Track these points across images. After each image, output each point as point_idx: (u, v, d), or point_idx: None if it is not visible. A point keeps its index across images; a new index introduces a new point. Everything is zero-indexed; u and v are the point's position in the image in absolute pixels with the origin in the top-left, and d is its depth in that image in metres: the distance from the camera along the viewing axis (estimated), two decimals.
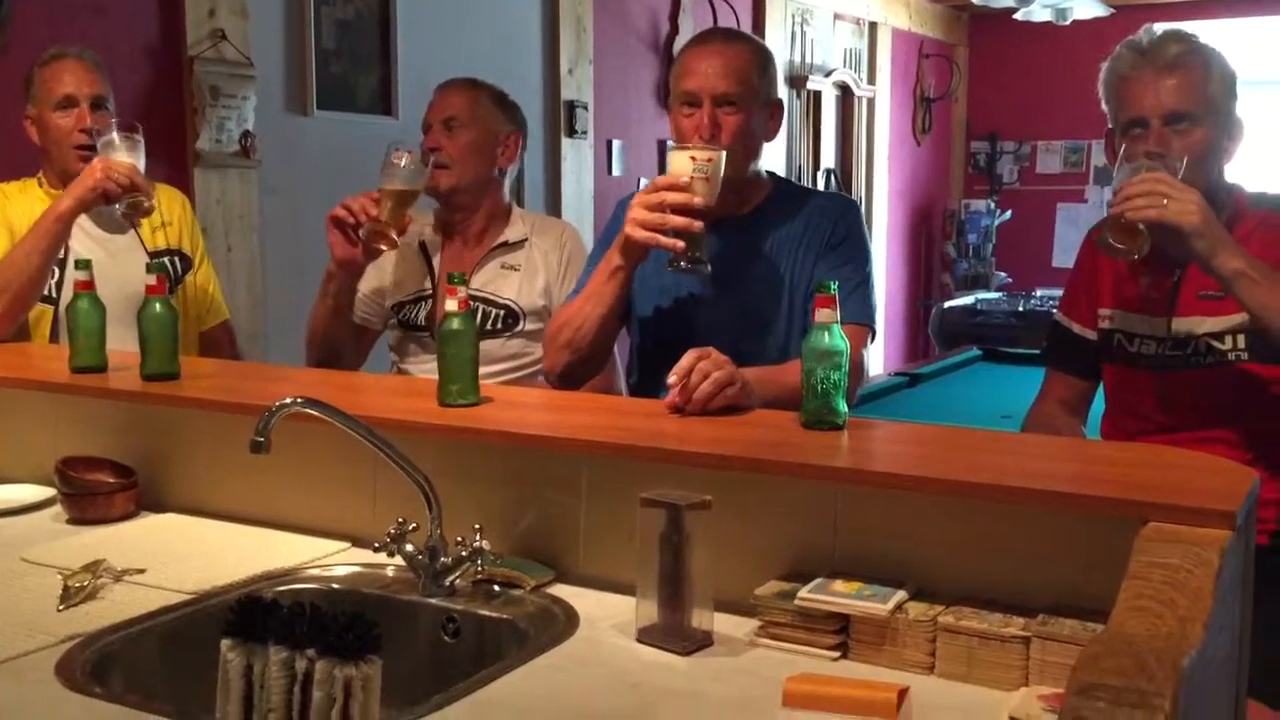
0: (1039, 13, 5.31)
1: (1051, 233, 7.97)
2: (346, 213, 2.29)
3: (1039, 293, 7.00)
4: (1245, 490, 1.32)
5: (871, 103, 7.20)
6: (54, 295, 2.47)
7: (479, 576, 1.58)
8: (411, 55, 4.04)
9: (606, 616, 1.48)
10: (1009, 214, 7.91)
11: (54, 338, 2.48)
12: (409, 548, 1.57)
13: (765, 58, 2.09)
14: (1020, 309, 6.55)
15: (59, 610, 1.50)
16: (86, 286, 2.14)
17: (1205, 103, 1.89)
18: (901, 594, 1.36)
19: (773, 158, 5.18)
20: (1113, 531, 1.26)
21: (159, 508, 1.95)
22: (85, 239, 2.51)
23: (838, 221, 2.10)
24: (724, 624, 1.42)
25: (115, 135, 2.35)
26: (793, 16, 6.35)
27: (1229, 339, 1.93)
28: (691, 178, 1.85)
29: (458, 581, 1.57)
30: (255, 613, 1.15)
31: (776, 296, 2.08)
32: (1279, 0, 7.11)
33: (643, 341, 2.18)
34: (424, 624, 1.57)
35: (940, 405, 4.20)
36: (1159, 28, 1.98)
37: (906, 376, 4.67)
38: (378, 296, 2.54)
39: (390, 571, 1.64)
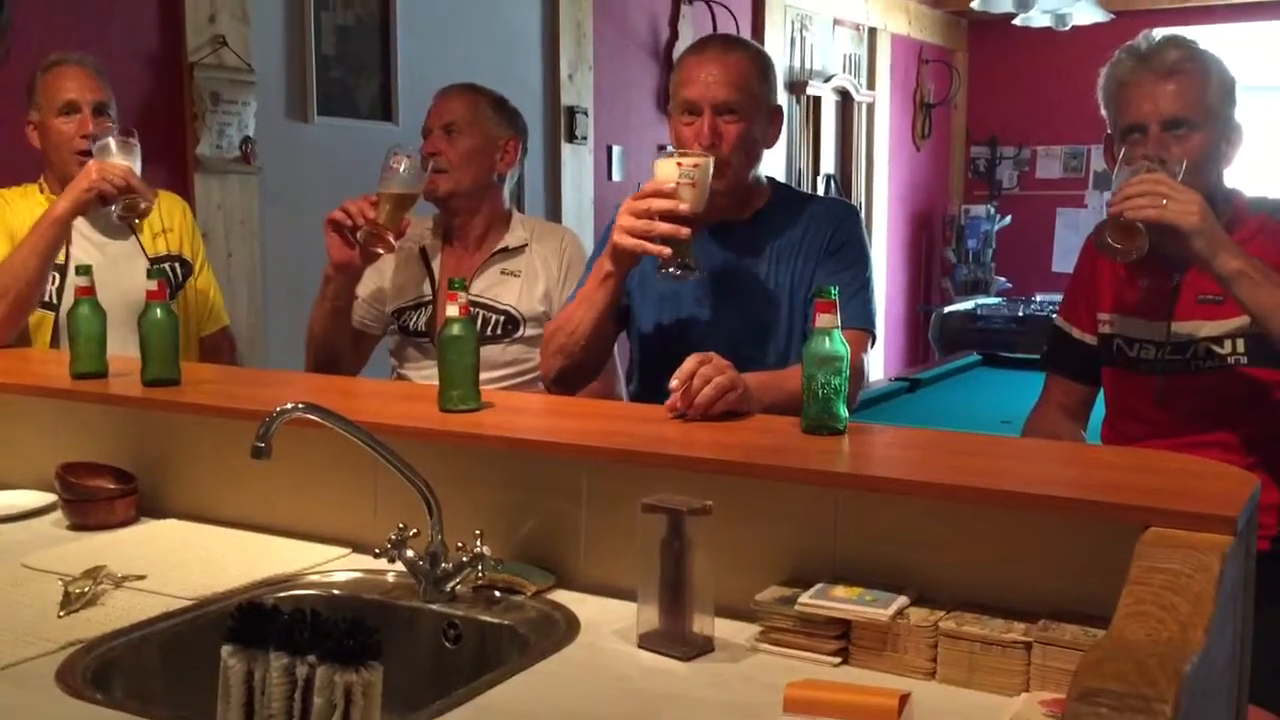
0: (1038, 18, 5.31)
1: (1051, 238, 7.97)
2: (344, 215, 2.29)
3: (1039, 298, 7.00)
4: (1246, 495, 1.32)
5: (871, 108, 7.20)
6: (55, 301, 2.47)
7: (480, 582, 1.57)
8: (412, 61, 4.05)
9: (607, 622, 1.48)
10: (1009, 219, 7.91)
11: (55, 343, 2.48)
12: (410, 553, 1.57)
13: (765, 64, 2.09)
14: (1020, 314, 6.55)
15: (59, 616, 1.50)
16: (87, 292, 2.14)
17: (1204, 108, 1.90)
18: (902, 599, 1.36)
19: (773, 163, 5.17)
20: (1113, 536, 1.26)
21: (160, 513, 1.95)
22: (86, 245, 2.51)
23: (837, 227, 2.10)
24: (725, 629, 1.42)
25: (110, 139, 2.36)
26: (792, 22, 6.36)
27: (1228, 343, 1.93)
28: (678, 184, 1.85)
29: (458, 587, 1.57)
30: (256, 619, 1.15)
31: (777, 302, 2.09)
32: (1277, 5, 7.12)
33: (643, 347, 2.18)
34: (425, 630, 1.57)
35: (940, 410, 4.20)
36: (1158, 33, 1.99)
37: (907, 382, 4.67)
38: (377, 302, 2.54)
39: (391, 577, 1.64)
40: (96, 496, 1.91)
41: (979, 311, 6.72)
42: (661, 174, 1.88)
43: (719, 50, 2.06)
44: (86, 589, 1.56)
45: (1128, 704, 0.90)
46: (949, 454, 1.61)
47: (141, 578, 1.63)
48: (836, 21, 6.80)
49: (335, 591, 1.64)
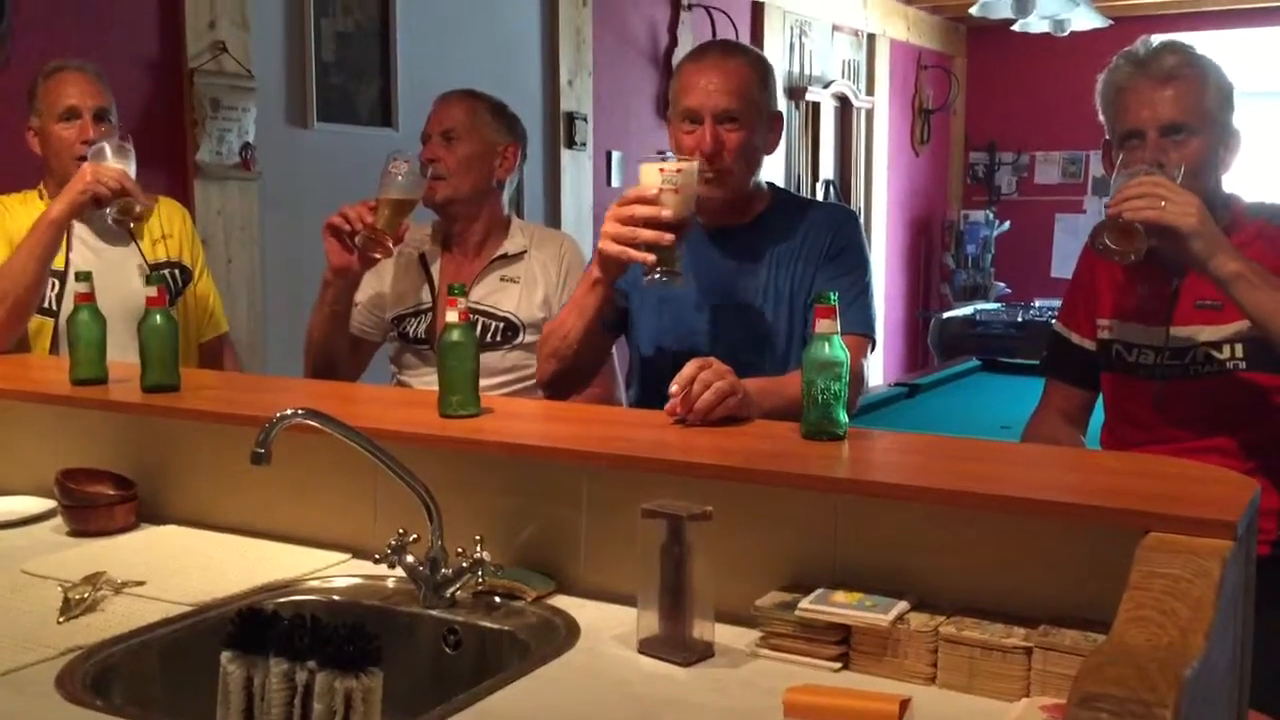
0: (1037, 24, 5.31)
1: (1050, 243, 7.98)
2: (343, 220, 2.29)
3: (1038, 303, 7.00)
4: (1246, 500, 1.32)
5: (870, 114, 7.21)
6: (55, 308, 2.47)
7: (480, 588, 1.57)
8: (411, 67, 4.05)
9: (607, 627, 1.48)
10: (1007, 224, 7.92)
11: (54, 350, 2.48)
12: (410, 559, 1.57)
13: (765, 70, 2.09)
14: (1019, 319, 6.55)
15: (59, 622, 1.50)
16: (87, 298, 2.14)
17: (1202, 114, 1.90)
18: (903, 604, 1.36)
19: (772, 169, 5.17)
20: (1114, 542, 1.26)
21: (159, 519, 1.95)
22: (86, 251, 2.51)
23: (837, 232, 2.10)
24: (725, 635, 1.42)
25: (105, 144, 2.37)
26: (791, 28, 6.37)
27: (1227, 348, 1.93)
28: (660, 190, 1.83)
29: (458, 593, 1.57)
30: (256, 625, 1.15)
31: (776, 307, 2.09)
32: (1276, 11, 7.14)
33: (642, 352, 2.18)
34: (425, 635, 1.57)
35: (940, 416, 4.20)
36: (1156, 39, 1.99)
37: (906, 387, 4.67)
38: (376, 308, 2.54)
39: (391, 583, 1.64)
40: (96, 502, 1.91)
41: (978, 317, 6.72)
42: (644, 180, 1.87)
43: (719, 57, 2.05)
44: (86, 595, 1.56)
45: (1128, 709, 0.90)
46: (949, 459, 1.61)
47: (141, 584, 1.63)
48: (835, 27, 6.81)
49: (335, 597, 1.64)
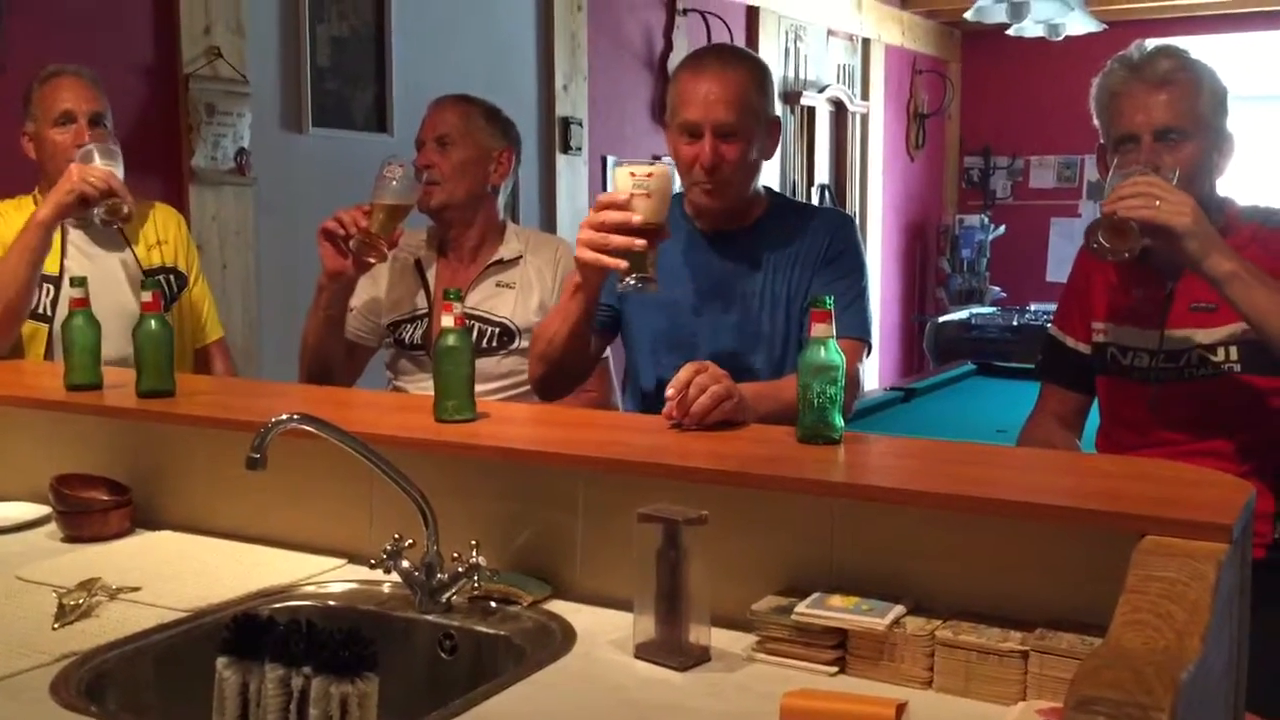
0: (1031, 29, 5.32)
1: (1045, 247, 7.99)
2: (337, 224, 2.29)
3: (1033, 307, 7.01)
4: (1241, 503, 1.32)
5: (865, 118, 7.22)
6: (49, 313, 2.47)
7: (475, 593, 1.57)
8: (406, 72, 4.05)
9: (604, 632, 1.48)
10: (1003, 229, 7.93)
11: (49, 356, 2.47)
12: (405, 564, 1.57)
13: (763, 77, 2.08)
14: (1015, 323, 6.56)
15: (54, 629, 1.49)
16: (81, 304, 2.14)
17: (1196, 118, 1.90)
18: (899, 608, 1.36)
19: (767, 174, 5.19)
20: (1110, 545, 1.26)
21: (154, 525, 1.95)
22: (80, 257, 2.51)
23: (834, 236, 2.11)
24: (721, 639, 1.42)
25: (92, 146, 2.37)
26: (786, 33, 6.38)
27: (1221, 351, 1.94)
28: (631, 195, 1.80)
29: (454, 598, 1.57)
30: (251, 630, 1.15)
31: (773, 311, 2.09)
32: (1269, 16, 7.16)
33: (638, 355, 2.18)
34: (420, 641, 1.56)
35: (935, 420, 4.20)
36: (1150, 43, 1.99)
37: (902, 391, 4.67)
38: (371, 313, 2.54)
39: (386, 588, 1.64)
40: (91, 508, 1.91)
41: (973, 321, 6.73)
42: (616, 184, 1.84)
43: (717, 67, 2.03)
44: (81, 601, 1.55)
45: (1125, 712, 0.90)
46: (944, 463, 1.61)
47: (136, 589, 1.62)
48: (830, 32, 6.82)
49: (331, 603, 1.64)
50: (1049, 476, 1.60)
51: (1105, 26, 5.52)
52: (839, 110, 7.02)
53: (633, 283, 1.82)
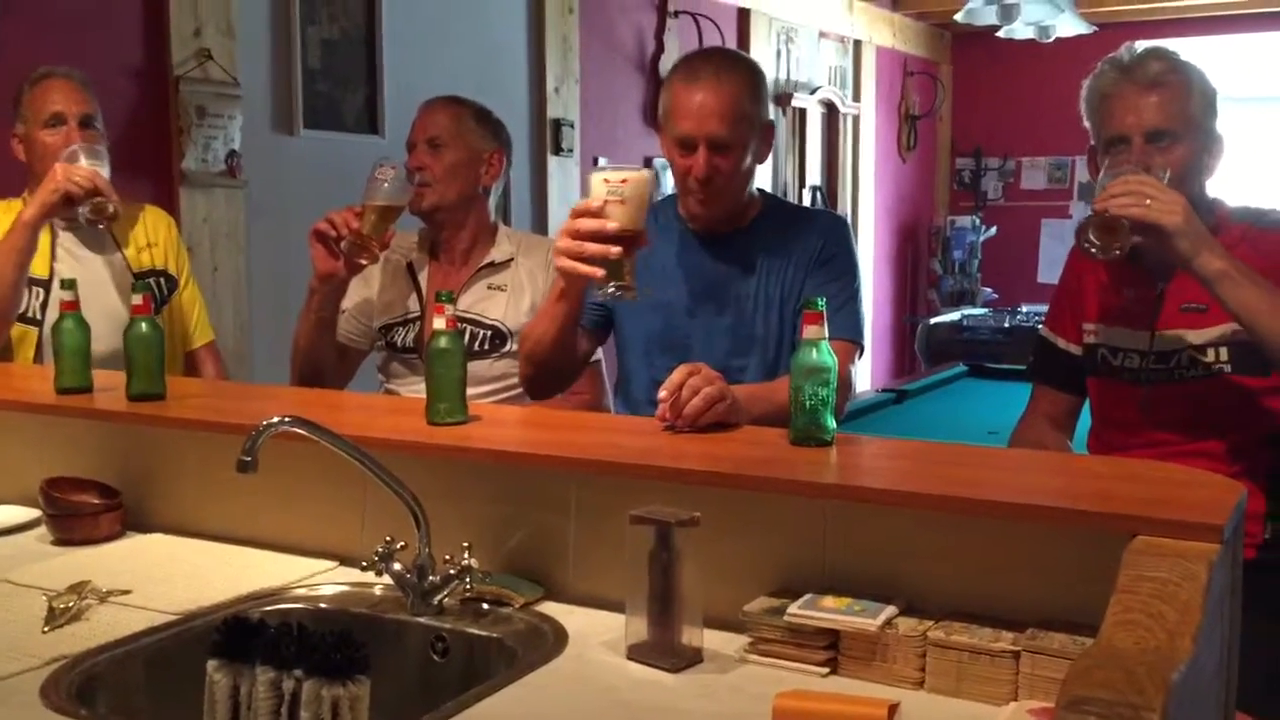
0: (1022, 30, 5.34)
1: (1036, 248, 8.01)
2: (329, 226, 2.29)
3: (1024, 308, 7.03)
4: (1233, 503, 1.32)
5: (857, 120, 7.23)
6: (39, 317, 2.46)
7: (467, 595, 1.57)
8: (397, 74, 4.05)
9: (596, 634, 1.48)
10: (994, 230, 7.95)
11: (38, 359, 2.46)
12: (397, 566, 1.56)
13: (757, 83, 2.07)
14: (1006, 325, 6.57)
15: (44, 632, 1.49)
16: (71, 307, 2.13)
17: (1186, 120, 1.91)
18: (891, 609, 1.36)
19: (759, 175, 5.21)
20: (1101, 545, 1.26)
21: (145, 528, 1.94)
22: (70, 260, 2.50)
23: (827, 238, 2.11)
24: (714, 641, 1.42)
25: (77, 146, 2.37)
26: (778, 35, 6.39)
27: (1212, 351, 1.94)
28: (605, 202, 1.76)
29: (446, 600, 1.57)
30: (242, 633, 1.15)
31: (766, 312, 2.09)
32: (1259, 18, 7.19)
33: (631, 356, 2.18)
34: (412, 643, 1.56)
35: (927, 421, 4.21)
36: (1140, 45, 2.00)
37: (893, 393, 4.68)
38: (363, 316, 2.53)
39: (378, 590, 1.63)
40: (81, 511, 1.90)
41: (965, 322, 6.74)
42: (591, 191, 1.80)
43: (712, 78, 2.01)
44: (71, 604, 1.55)
45: (1116, 712, 0.90)
46: (936, 464, 1.61)
47: (127, 593, 1.62)
48: (821, 34, 6.83)
49: (322, 605, 1.63)
50: (1040, 477, 1.60)
51: (1095, 28, 5.54)
52: (830, 112, 7.03)
53: (611, 291, 1.79)
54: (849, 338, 2.04)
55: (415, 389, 2.38)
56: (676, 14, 5.55)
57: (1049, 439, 2.14)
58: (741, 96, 2.01)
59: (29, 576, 1.69)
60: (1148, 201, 1.74)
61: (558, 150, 4.88)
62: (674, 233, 2.15)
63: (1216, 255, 1.75)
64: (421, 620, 1.56)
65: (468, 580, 1.54)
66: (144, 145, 3.33)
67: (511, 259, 2.52)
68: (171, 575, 1.71)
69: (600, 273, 1.76)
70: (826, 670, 1.36)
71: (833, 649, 1.36)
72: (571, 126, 4.95)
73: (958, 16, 5.29)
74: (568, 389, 2.22)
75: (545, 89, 4.81)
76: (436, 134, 2.47)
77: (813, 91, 6.73)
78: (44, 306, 2.45)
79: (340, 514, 1.76)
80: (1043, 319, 2.25)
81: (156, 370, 2.05)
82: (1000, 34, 5.41)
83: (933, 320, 6.92)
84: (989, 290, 7.86)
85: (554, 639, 1.47)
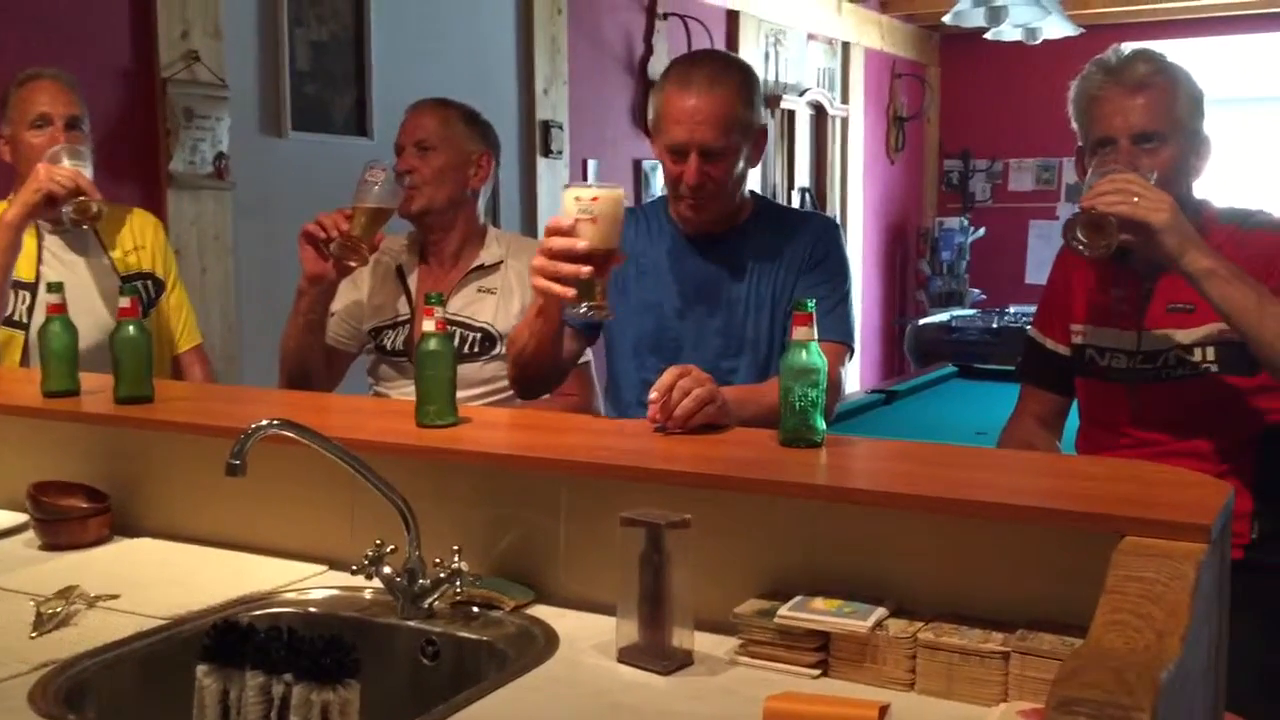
0: (1009, 33, 5.35)
1: (1024, 249, 8.03)
2: (318, 228, 2.28)
3: (1013, 309, 7.05)
4: (1220, 503, 1.33)
5: (845, 122, 7.25)
6: (25, 320, 2.45)
7: (458, 598, 1.57)
8: (386, 76, 4.04)
9: (586, 637, 1.47)
10: (982, 231, 7.97)
11: (25, 364, 2.45)
12: (387, 570, 1.56)
13: (751, 88, 2.06)
14: (994, 325, 6.59)
15: (32, 637, 1.48)
16: (58, 309, 2.12)
17: (1173, 122, 1.92)
18: (881, 611, 1.36)
19: (748, 177, 5.21)
20: (1090, 546, 1.26)
21: (133, 532, 1.93)
22: (57, 263, 2.50)
23: (818, 240, 2.11)
24: (704, 643, 1.42)
25: (59, 148, 2.36)
26: (766, 36, 6.39)
27: (1199, 351, 1.95)
28: (576, 220, 1.72)
29: (436, 603, 1.56)
30: (231, 637, 1.14)
31: (757, 314, 2.09)
32: (1244, 20, 7.22)
33: (621, 358, 2.18)
34: (402, 647, 1.56)
35: (916, 422, 4.22)
36: (1127, 47, 2.01)
37: (882, 394, 4.68)
38: (352, 318, 2.53)
39: (368, 594, 1.63)
40: (69, 516, 1.89)
41: (954, 323, 6.76)
42: (563, 208, 1.77)
43: (705, 84, 1.99)
44: (59, 609, 1.54)
45: (1106, 713, 0.90)
46: (925, 465, 1.61)
47: (115, 597, 1.61)
48: (810, 36, 6.84)
49: (312, 609, 1.63)
50: (1029, 478, 1.60)
51: (1082, 30, 5.55)
52: (819, 114, 7.04)
53: (582, 311, 1.76)
54: (839, 340, 2.05)
55: (405, 392, 2.38)
56: (665, 16, 5.55)
57: (1038, 439, 2.15)
58: (734, 103, 2.00)
59: (16, 581, 1.69)
60: (1135, 199, 1.75)
61: (547, 152, 4.88)
62: (665, 234, 2.16)
63: (1204, 253, 1.75)
64: (411, 624, 1.56)
65: (458, 583, 1.54)
66: (132, 147, 3.32)
67: (501, 261, 2.52)
68: (160, 579, 1.71)
69: (571, 293, 1.73)
70: (817, 672, 1.36)
71: (823, 651, 1.36)
72: (560, 128, 4.95)
73: (945, 18, 5.30)
74: (556, 390, 2.22)
75: (534, 91, 4.81)
76: (424, 137, 2.46)
77: (801, 93, 6.74)
78: (30, 310, 2.44)
79: (329, 517, 1.76)
80: (1031, 320, 2.26)
81: (144, 373, 2.04)
82: (988, 36, 5.43)
83: (921, 321, 6.94)
84: (977, 291, 7.88)
85: (545, 642, 1.47)
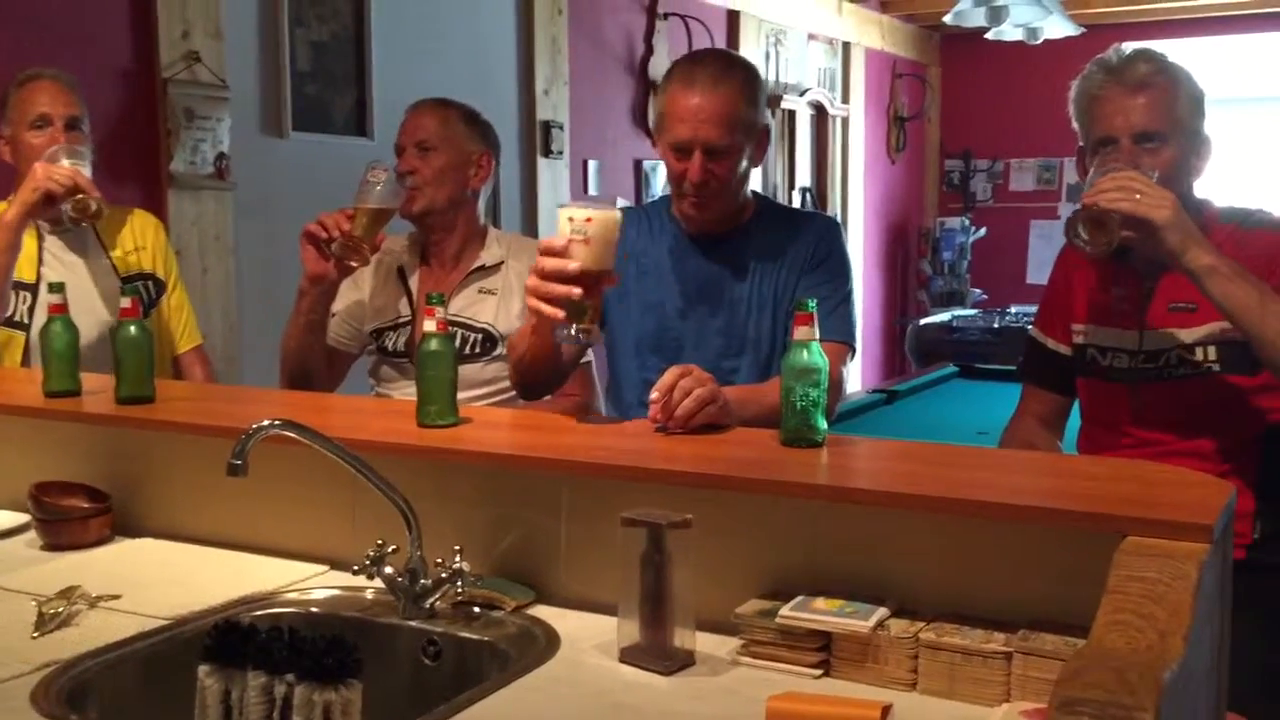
0: (1010, 32, 5.35)
1: (1026, 249, 8.04)
2: (319, 228, 2.28)
3: (1014, 309, 7.05)
4: (1222, 503, 1.33)
5: (846, 122, 7.25)
6: (25, 321, 2.45)
7: (459, 598, 1.57)
8: (387, 76, 4.04)
9: (588, 637, 1.47)
10: (983, 231, 7.97)
11: (25, 364, 2.45)
12: (388, 570, 1.56)
13: (754, 87, 2.05)
14: (996, 325, 6.59)
15: (34, 637, 1.48)
16: (59, 310, 2.12)
17: (1174, 122, 1.91)
18: (883, 611, 1.36)
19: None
20: (1092, 546, 1.26)
21: (134, 533, 1.93)
22: (57, 264, 2.50)
23: (820, 240, 2.11)
24: (706, 643, 1.42)
25: (58, 147, 2.36)
26: (767, 37, 6.39)
27: (1200, 350, 1.95)
28: (569, 241, 1.71)
29: (438, 603, 1.56)
30: (233, 637, 1.14)
31: (759, 314, 2.09)
32: (1245, 19, 7.22)
33: (623, 358, 2.18)
34: (404, 647, 1.56)
35: (917, 422, 4.22)
36: (1128, 47, 2.00)
37: (884, 394, 4.68)
38: (353, 319, 2.53)
39: (369, 594, 1.63)
40: (70, 516, 1.89)
41: (955, 323, 6.76)
42: (558, 228, 1.75)
43: (709, 82, 1.99)
44: (61, 609, 1.54)
45: (1108, 713, 0.90)
46: (926, 465, 1.61)
47: (116, 597, 1.61)
48: (810, 36, 6.85)
49: (313, 609, 1.63)
50: (1031, 478, 1.60)
51: (1083, 30, 5.55)
52: (820, 114, 7.04)
53: (571, 334, 1.73)
54: (841, 339, 2.05)
55: (406, 392, 2.38)
56: (666, 16, 5.55)
57: (1039, 439, 2.15)
58: (738, 101, 2.00)
59: (18, 582, 1.69)
60: (1137, 196, 1.75)
61: (547, 152, 4.88)
62: (667, 234, 2.15)
63: (1206, 251, 1.75)
64: (413, 624, 1.56)
65: (459, 584, 1.54)
66: (132, 147, 3.32)
67: (502, 262, 2.52)
68: (161, 580, 1.71)
69: (561, 314, 1.71)
70: (819, 672, 1.36)
71: (825, 651, 1.36)
72: (561, 128, 4.95)
73: (946, 18, 5.30)
74: (558, 391, 2.22)
75: (535, 91, 4.81)
76: (425, 137, 2.46)
77: (802, 93, 6.75)
78: (31, 311, 2.44)
79: (331, 517, 1.76)
80: (1032, 320, 2.26)
81: (145, 373, 2.05)
82: (989, 36, 5.43)
83: (922, 321, 6.94)
84: (978, 291, 7.88)
85: (546, 642, 1.47)
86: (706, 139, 1.98)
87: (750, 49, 6.14)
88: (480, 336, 2.46)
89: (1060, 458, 2.06)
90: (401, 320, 2.50)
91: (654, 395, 1.72)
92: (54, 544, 1.87)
